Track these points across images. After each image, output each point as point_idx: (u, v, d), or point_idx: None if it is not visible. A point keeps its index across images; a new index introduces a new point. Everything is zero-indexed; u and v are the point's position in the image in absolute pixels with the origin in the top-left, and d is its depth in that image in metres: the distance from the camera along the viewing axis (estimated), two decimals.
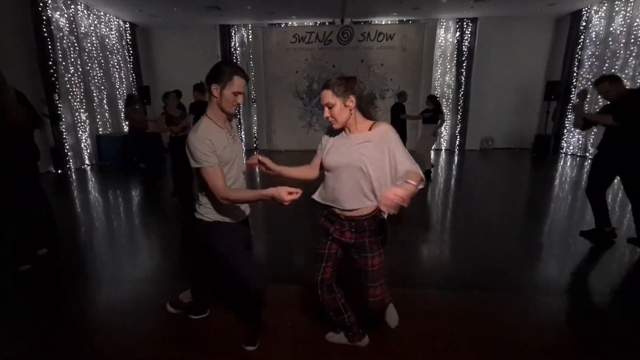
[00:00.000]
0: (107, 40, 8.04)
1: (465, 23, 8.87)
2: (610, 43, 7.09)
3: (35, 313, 2.26)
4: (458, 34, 8.98)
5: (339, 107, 1.48)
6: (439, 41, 9.13)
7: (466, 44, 8.98)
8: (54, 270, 2.86)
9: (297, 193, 1.43)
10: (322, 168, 1.65)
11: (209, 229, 1.69)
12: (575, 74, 8.12)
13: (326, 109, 1.50)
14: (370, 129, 1.53)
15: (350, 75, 1.55)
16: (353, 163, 1.49)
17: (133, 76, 9.03)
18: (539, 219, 4.08)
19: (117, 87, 8.48)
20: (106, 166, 7.34)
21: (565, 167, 7.15)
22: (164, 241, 3.57)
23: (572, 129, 8.30)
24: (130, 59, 8.92)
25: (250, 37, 9.45)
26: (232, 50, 9.49)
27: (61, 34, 6.57)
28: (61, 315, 2.21)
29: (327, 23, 9.15)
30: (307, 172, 1.71)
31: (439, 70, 9.28)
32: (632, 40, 6.52)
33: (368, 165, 1.47)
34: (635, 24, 6.43)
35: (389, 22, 9.07)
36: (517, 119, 9.30)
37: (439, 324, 2.09)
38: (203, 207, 1.69)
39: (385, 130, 1.50)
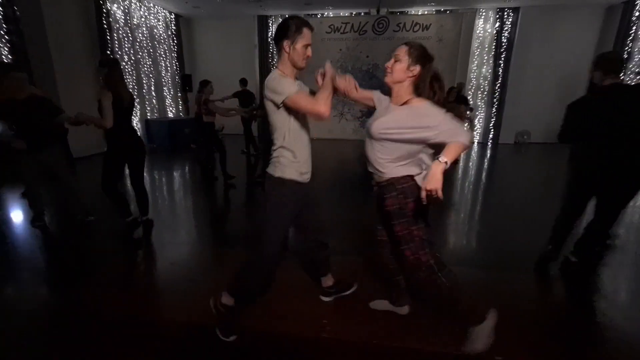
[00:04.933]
0: (155, 30, 8.60)
1: (506, 13, 8.62)
2: None
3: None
4: (498, 24, 8.75)
5: (402, 65, 1.52)
6: (477, 32, 8.95)
7: (506, 34, 8.74)
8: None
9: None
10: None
11: (274, 185, 1.69)
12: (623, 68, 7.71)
13: (392, 60, 1.55)
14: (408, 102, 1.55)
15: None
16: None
17: (177, 64, 9.60)
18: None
19: (163, 75, 9.07)
20: (155, 148, 7.99)
21: None
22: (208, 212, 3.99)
23: None
24: (174, 48, 9.47)
25: None
26: (270, 40, 9.79)
27: (117, 25, 7.15)
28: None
29: (362, 13, 9.21)
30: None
31: (476, 62, 9.12)
32: None
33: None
34: None
35: (426, 12, 8.98)
36: (557, 114, 8.94)
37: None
38: (274, 163, 1.70)
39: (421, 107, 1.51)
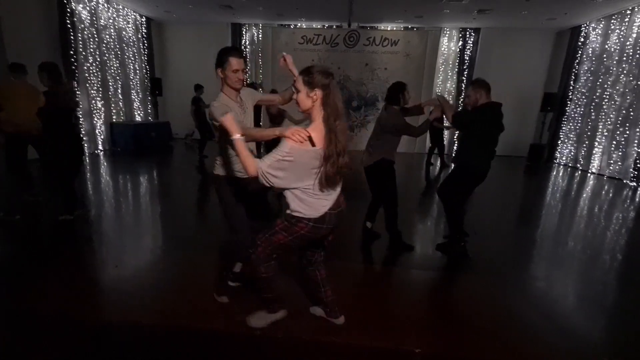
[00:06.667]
0: (124, 32, 8.46)
1: (468, 32, 9.18)
2: (605, 59, 7.35)
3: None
4: (461, 42, 9.29)
5: (302, 94, 1.52)
6: (442, 49, 9.45)
7: (468, 52, 9.29)
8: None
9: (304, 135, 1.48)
10: None
11: (214, 181, 2.04)
12: (571, 87, 8.39)
13: (295, 92, 1.57)
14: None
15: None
16: None
17: (147, 68, 9.44)
18: (528, 223, 4.34)
19: (132, 77, 8.89)
20: (118, 151, 7.77)
21: (557, 177, 7.41)
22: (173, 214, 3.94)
23: (566, 140, 8.56)
24: (144, 51, 9.33)
25: (260, 36, 9.83)
26: (243, 48, 9.86)
27: (82, 25, 6.99)
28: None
29: (334, 26, 9.50)
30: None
31: (441, 77, 9.59)
32: (624, 58, 6.78)
33: None
34: (628, 42, 6.70)
35: (394, 28, 9.39)
36: (514, 128, 9.54)
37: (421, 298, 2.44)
38: (215, 164, 2.04)
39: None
